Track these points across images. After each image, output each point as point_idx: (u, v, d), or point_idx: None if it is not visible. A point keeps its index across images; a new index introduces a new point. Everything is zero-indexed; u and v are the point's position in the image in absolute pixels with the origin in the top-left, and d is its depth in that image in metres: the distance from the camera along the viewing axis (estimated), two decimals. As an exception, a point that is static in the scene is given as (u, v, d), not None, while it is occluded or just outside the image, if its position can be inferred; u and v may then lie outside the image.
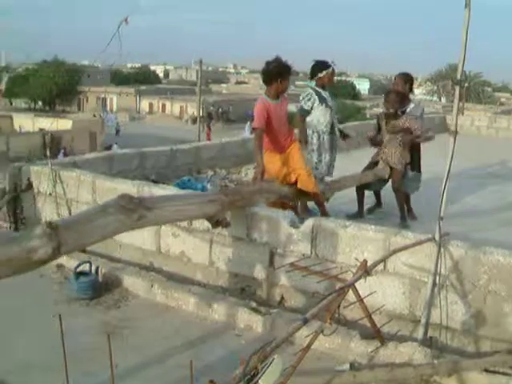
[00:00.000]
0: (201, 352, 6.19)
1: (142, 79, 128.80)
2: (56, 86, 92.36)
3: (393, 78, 10.75)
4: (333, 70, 9.66)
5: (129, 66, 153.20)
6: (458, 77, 6.06)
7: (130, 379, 5.64)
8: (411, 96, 10.70)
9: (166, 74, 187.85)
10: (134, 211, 5.82)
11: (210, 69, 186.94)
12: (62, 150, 43.62)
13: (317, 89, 9.42)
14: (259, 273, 7.38)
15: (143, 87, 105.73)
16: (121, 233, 6.13)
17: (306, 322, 4.37)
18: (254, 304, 6.90)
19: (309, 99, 9.39)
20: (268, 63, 8.22)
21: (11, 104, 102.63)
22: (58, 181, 9.15)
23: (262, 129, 8.06)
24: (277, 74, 8.15)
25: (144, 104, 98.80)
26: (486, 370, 5.43)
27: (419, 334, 6.23)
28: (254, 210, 7.38)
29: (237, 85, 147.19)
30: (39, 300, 7.35)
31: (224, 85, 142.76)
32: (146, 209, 5.92)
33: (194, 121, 67.13)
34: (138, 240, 8.17)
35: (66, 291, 7.54)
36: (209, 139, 55.17)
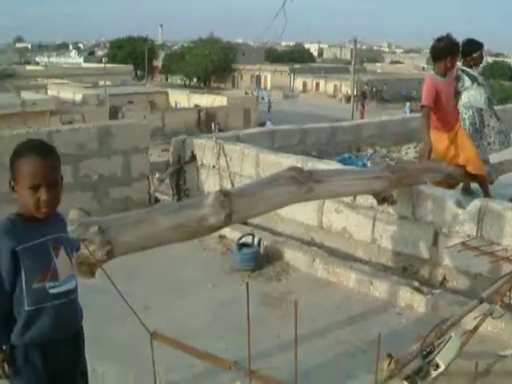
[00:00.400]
0: (362, 329, 6.19)
1: (297, 57, 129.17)
2: (211, 63, 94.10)
3: None
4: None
5: (283, 44, 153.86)
6: None
7: (290, 351, 5.72)
8: None
9: (320, 53, 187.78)
10: (303, 183, 5.89)
11: (364, 47, 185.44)
12: (217, 126, 44.27)
13: (465, 68, 9.17)
14: (422, 252, 7.29)
15: (297, 65, 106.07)
16: (290, 204, 6.22)
17: (481, 301, 4.31)
18: (416, 283, 6.83)
19: (458, 81, 9.15)
20: (439, 39, 8.06)
21: (167, 80, 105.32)
22: (222, 154, 9.33)
23: (430, 106, 7.90)
24: (447, 50, 7.97)
25: (298, 82, 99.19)
26: None
27: None
28: (420, 189, 7.29)
29: (391, 64, 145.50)
30: (203, 270, 7.55)
31: (378, 64, 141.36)
32: (315, 182, 5.98)
33: (348, 99, 66.96)
34: (300, 215, 8.23)
35: (228, 262, 7.70)
36: (362, 118, 54.97)
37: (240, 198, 5.42)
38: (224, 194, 5.31)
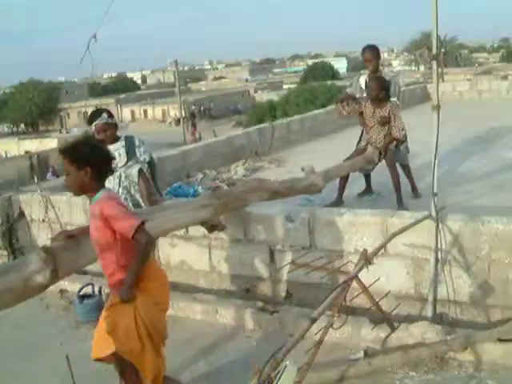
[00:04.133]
0: (215, 359, 6.18)
1: (121, 88, 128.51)
2: (36, 106, 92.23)
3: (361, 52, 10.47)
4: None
5: (105, 76, 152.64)
6: (434, 51, 6.04)
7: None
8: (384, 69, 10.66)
9: (144, 80, 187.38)
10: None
11: (186, 68, 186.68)
12: (51, 169, 43.37)
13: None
14: (262, 271, 7.36)
15: (122, 96, 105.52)
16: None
17: (314, 321, 4.35)
18: (260, 303, 6.88)
19: None
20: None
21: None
22: (50, 206, 9.11)
23: None
24: None
25: (125, 112, 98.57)
26: (500, 340, 5.42)
27: (428, 311, 6.23)
28: (249, 210, 7.34)
29: (215, 80, 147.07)
30: (48, 329, 7.32)
31: (202, 82, 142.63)
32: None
33: (178, 122, 67.02)
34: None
35: (73, 316, 7.50)
36: (195, 139, 55.17)
37: (64, 251, 5.28)
38: (46, 250, 5.17)
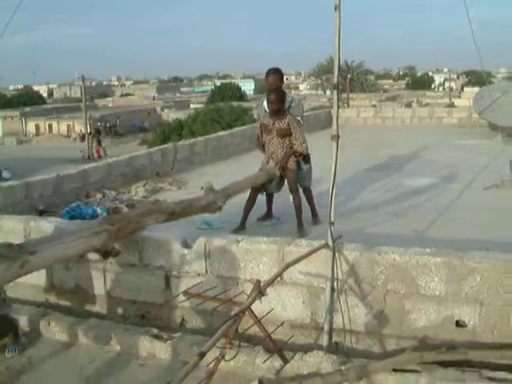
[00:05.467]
0: (107, 388, 6.01)
1: (27, 101, 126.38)
2: None
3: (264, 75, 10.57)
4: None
5: (11, 88, 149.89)
6: (335, 81, 6.07)
7: None
8: (289, 92, 10.68)
9: (50, 93, 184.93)
10: (15, 259, 5.59)
11: (93, 84, 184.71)
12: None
13: None
14: (157, 297, 7.23)
15: (28, 109, 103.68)
16: (6, 283, 5.94)
17: (202, 356, 4.25)
18: (155, 330, 6.73)
19: None
20: None
21: None
22: None
23: None
24: None
25: (30, 126, 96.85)
26: (395, 370, 5.43)
27: (324, 341, 6.20)
28: (145, 234, 7.23)
29: (122, 97, 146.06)
30: None
31: (109, 98, 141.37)
32: (28, 254, 5.69)
33: (83, 138, 66.19)
34: (30, 277, 7.88)
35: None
36: (99, 156, 54.52)
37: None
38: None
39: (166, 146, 17.93)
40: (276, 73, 10.23)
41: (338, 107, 6.22)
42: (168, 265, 7.10)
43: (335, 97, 6.18)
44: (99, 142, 62.81)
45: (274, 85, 10.08)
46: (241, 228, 9.83)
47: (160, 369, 6.25)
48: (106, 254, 6.83)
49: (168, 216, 7.47)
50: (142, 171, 15.45)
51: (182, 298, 6.76)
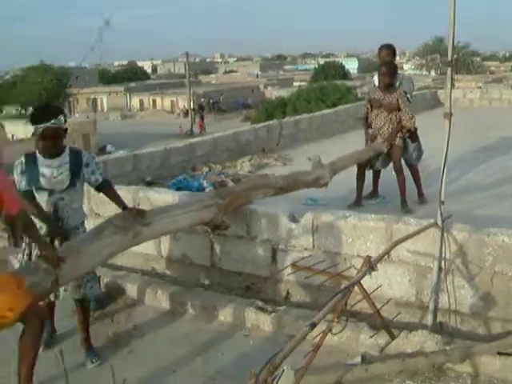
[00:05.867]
0: (212, 356, 6.13)
1: (131, 76, 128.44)
2: (45, 90, 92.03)
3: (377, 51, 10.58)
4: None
5: (116, 64, 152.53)
6: (449, 57, 5.98)
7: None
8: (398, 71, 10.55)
9: (154, 69, 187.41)
10: (129, 229, 5.75)
11: (197, 60, 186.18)
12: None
13: None
14: (263, 270, 7.32)
15: (132, 84, 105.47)
16: (119, 252, 6.10)
17: (313, 326, 4.29)
18: (260, 303, 6.81)
19: None
20: None
21: (1, 112, 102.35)
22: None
23: None
24: None
25: (134, 101, 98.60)
26: (499, 353, 5.36)
27: (428, 320, 6.15)
28: (253, 208, 7.31)
29: (225, 74, 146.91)
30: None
31: (213, 75, 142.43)
32: (142, 225, 5.86)
33: (186, 114, 66.99)
34: (139, 246, 8.08)
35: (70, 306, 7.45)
36: (201, 131, 55.12)
37: (64, 260, 5.27)
38: (45, 260, 5.15)
39: (271, 122, 17.99)
40: (389, 48, 10.23)
41: (452, 85, 6.12)
42: (275, 238, 7.17)
43: (449, 73, 6.07)
44: (202, 118, 63.48)
45: (386, 58, 10.06)
46: (357, 204, 9.87)
47: (264, 340, 6.31)
48: (214, 227, 6.95)
49: (276, 190, 7.54)
50: (247, 146, 15.59)
51: (288, 271, 6.82)
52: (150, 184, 11.38)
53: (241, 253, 7.43)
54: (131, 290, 7.57)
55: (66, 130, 5.92)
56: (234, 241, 7.46)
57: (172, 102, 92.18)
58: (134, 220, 5.88)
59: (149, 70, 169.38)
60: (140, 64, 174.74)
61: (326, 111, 20.94)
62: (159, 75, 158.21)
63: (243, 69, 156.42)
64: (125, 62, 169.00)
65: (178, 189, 10.66)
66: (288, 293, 7.21)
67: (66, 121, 5.85)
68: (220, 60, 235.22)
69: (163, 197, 8.00)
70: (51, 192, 5.82)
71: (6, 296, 4.65)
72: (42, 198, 5.81)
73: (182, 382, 5.69)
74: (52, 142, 5.75)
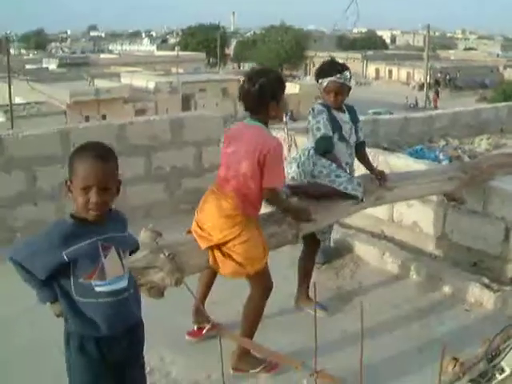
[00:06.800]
0: (430, 324, 6.19)
1: (369, 45, 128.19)
2: (283, 50, 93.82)
3: None
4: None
5: (355, 31, 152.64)
6: None
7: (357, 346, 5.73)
8: None
9: (393, 40, 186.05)
10: (373, 192, 5.91)
11: (437, 34, 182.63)
12: (289, 113, 44.18)
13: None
14: (493, 248, 7.22)
15: (370, 52, 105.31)
16: (358, 211, 6.28)
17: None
18: (485, 280, 6.75)
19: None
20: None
21: (239, 68, 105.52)
22: (294, 146, 9.29)
23: None
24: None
25: (370, 69, 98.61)
26: None
27: None
28: (492, 184, 7.22)
29: (465, 51, 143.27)
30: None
31: (451, 51, 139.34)
32: (386, 189, 5.99)
33: (421, 87, 66.15)
34: (370, 208, 8.24)
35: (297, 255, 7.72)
36: (436, 106, 54.28)
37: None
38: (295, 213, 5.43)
39: (513, 103, 17.57)
40: None
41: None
42: (511, 218, 7.05)
43: None
44: (437, 93, 62.51)
45: None
46: None
47: (484, 318, 6.25)
48: (452, 199, 6.97)
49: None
50: (486, 125, 15.29)
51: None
52: (385, 150, 11.46)
53: (473, 228, 7.38)
54: (359, 249, 7.74)
55: (350, 88, 6.08)
56: (468, 215, 7.40)
57: (408, 73, 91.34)
58: (378, 184, 6.05)
59: (387, 40, 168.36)
60: (379, 33, 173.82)
61: None
62: (398, 46, 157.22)
63: (483, 47, 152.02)
64: (364, 30, 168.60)
65: (414, 158, 10.68)
66: (516, 274, 7.10)
67: (351, 78, 6.06)
68: (460, 36, 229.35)
69: (403, 162, 8.07)
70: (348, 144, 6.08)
71: (257, 250, 4.94)
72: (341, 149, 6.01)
73: (397, 343, 5.81)
74: (334, 97, 5.90)
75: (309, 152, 5.87)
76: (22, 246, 3.40)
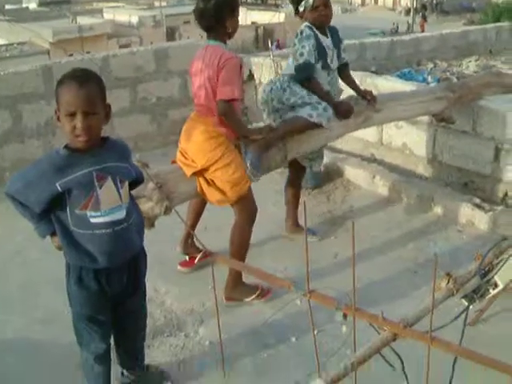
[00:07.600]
0: (423, 245, 6.21)
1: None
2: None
3: None
4: None
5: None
6: None
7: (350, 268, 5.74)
8: None
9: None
10: (361, 113, 5.84)
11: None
12: (275, 43, 43.89)
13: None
14: (483, 168, 7.20)
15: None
16: (345, 135, 6.21)
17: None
18: (477, 200, 6.74)
19: None
20: None
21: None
22: (280, 72, 9.21)
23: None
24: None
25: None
26: None
27: None
28: (481, 104, 7.14)
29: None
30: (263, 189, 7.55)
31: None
32: (374, 111, 5.92)
33: (408, 12, 65.61)
34: (359, 131, 8.17)
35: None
36: (423, 31, 53.89)
37: (292, 140, 5.49)
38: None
39: (501, 24, 17.43)
40: None
41: None
42: (501, 137, 6.99)
43: None
44: (424, 18, 62.04)
45: None
46: None
47: (476, 238, 6.26)
48: (441, 119, 6.92)
49: (507, 90, 7.37)
50: (474, 46, 15.22)
51: (509, 171, 6.73)
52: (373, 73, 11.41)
53: (463, 148, 7.34)
54: (349, 172, 7.72)
55: None
56: (458, 135, 7.36)
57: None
58: (366, 105, 5.96)
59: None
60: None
61: None
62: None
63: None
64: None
65: (402, 81, 10.64)
66: (506, 194, 7.08)
67: None
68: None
69: (391, 84, 7.97)
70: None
71: (237, 174, 4.88)
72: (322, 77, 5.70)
73: (392, 265, 5.84)
74: (324, 10, 5.53)
75: (283, 78, 5.74)
76: (15, 179, 3.35)
